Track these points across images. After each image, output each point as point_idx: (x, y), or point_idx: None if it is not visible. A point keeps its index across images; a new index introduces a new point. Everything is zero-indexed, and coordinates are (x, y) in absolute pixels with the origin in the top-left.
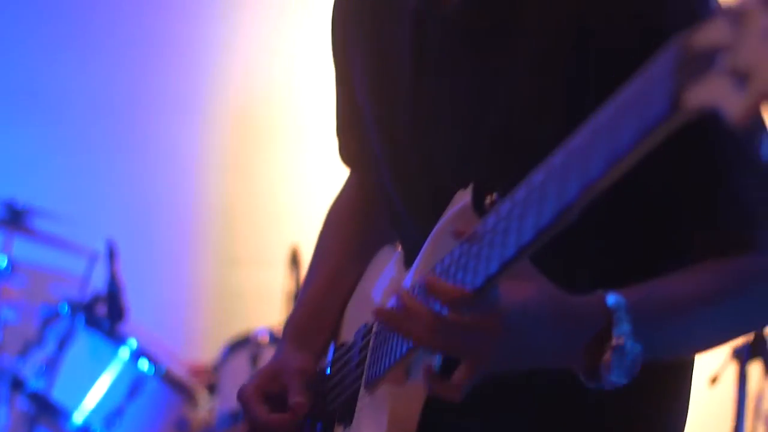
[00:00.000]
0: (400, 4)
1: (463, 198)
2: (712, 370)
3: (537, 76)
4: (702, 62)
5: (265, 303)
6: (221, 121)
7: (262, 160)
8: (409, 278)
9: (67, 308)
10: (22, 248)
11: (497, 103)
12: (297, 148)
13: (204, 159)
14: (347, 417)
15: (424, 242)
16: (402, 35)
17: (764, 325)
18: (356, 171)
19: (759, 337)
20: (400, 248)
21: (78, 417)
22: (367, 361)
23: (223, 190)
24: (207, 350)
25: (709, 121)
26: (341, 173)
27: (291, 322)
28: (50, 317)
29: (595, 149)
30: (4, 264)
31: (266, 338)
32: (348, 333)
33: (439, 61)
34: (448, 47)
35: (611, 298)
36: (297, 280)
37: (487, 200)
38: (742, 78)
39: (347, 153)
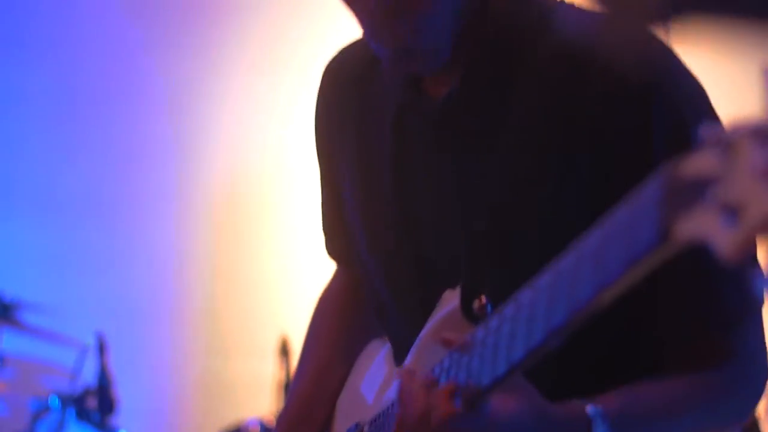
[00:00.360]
0: (385, 103)
1: (451, 299)
2: None
3: (520, 180)
4: (691, 194)
5: (256, 393)
6: (208, 210)
7: (250, 249)
8: None
9: (57, 401)
10: (12, 341)
11: (479, 205)
12: (286, 236)
13: (191, 249)
14: None
15: (412, 338)
16: (384, 135)
17: (740, 421)
18: (343, 266)
19: (753, 422)
20: (388, 343)
21: None
22: None
23: (210, 280)
24: None
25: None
26: (330, 262)
27: (282, 417)
28: (40, 410)
29: (583, 275)
30: None
31: (257, 429)
32: (340, 429)
33: (419, 161)
34: (429, 147)
35: (591, 410)
36: (287, 370)
37: (476, 304)
38: (732, 212)
39: (334, 249)
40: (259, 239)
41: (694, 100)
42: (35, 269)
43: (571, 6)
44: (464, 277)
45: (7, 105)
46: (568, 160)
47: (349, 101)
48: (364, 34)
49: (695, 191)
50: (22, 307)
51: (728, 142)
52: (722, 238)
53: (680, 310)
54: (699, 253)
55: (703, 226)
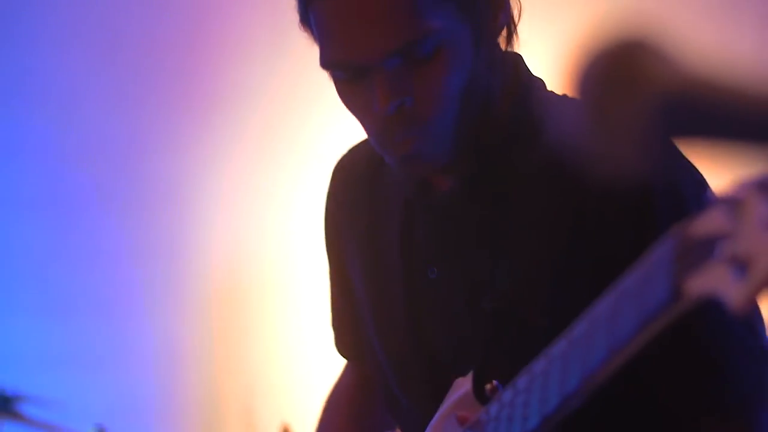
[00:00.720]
0: (393, 198)
1: (463, 385)
2: None
3: (528, 264)
4: (701, 251)
5: None
6: (207, 301)
7: (250, 340)
8: None
9: None
10: None
11: (490, 291)
12: (285, 326)
13: (191, 341)
14: None
15: (424, 429)
16: (393, 229)
17: None
18: (352, 362)
19: None
20: None
21: None
22: None
23: (211, 371)
24: None
25: (706, 308)
26: (333, 351)
27: None
28: None
29: (596, 339)
30: None
31: None
32: None
33: (428, 253)
34: (437, 239)
35: None
36: None
37: (488, 387)
38: (742, 265)
39: (343, 345)
40: (259, 330)
41: (696, 187)
42: (36, 363)
43: (572, 101)
44: (476, 363)
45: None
46: (573, 253)
47: (360, 198)
48: (370, 139)
49: (705, 249)
50: (24, 400)
51: (736, 199)
52: (732, 291)
53: (694, 386)
54: (716, 333)
55: (714, 280)
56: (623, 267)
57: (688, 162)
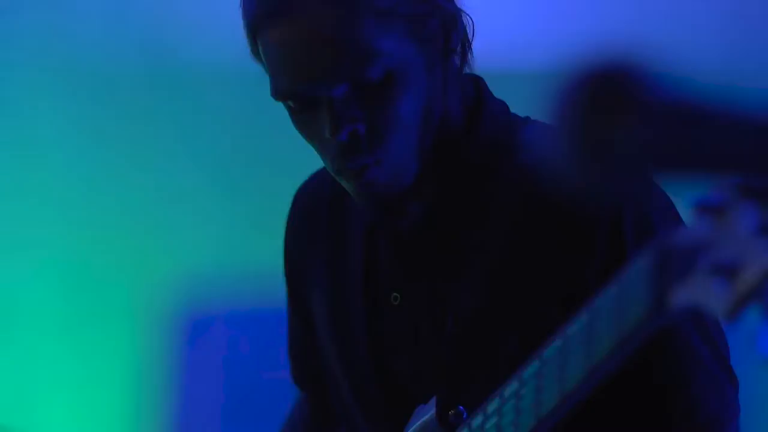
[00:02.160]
0: (356, 223)
1: (425, 412)
2: None
3: (492, 287)
4: (683, 263)
5: None
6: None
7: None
8: None
9: None
10: None
11: (453, 315)
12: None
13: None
14: None
15: None
16: (355, 254)
17: None
18: (307, 393)
19: None
20: None
21: None
22: None
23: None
24: None
25: (669, 329)
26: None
27: None
28: None
29: (573, 357)
30: None
31: None
32: None
33: (391, 277)
34: (401, 263)
35: None
36: None
37: (451, 413)
38: (727, 275)
39: (299, 376)
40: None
41: (664, 211)
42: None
43: (537, 124)
44: (440, 388)
45: None
46: (538, 276)
47: (321, 225)
48: (327, 167)
49: (687, 260)
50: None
51: (715, 208)
52: (719, 300)
53: (658, 407)
54: (680, 353)
55: (698, 291)
56: (589, 288)
57: (658, 186)
